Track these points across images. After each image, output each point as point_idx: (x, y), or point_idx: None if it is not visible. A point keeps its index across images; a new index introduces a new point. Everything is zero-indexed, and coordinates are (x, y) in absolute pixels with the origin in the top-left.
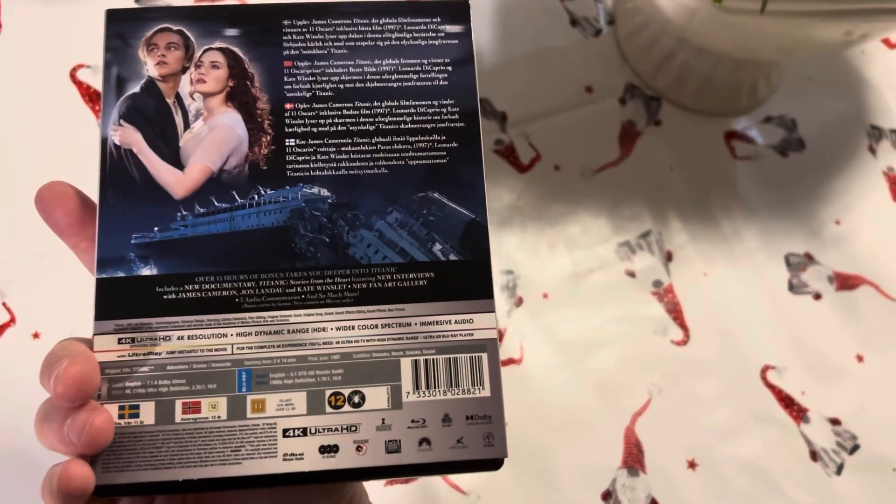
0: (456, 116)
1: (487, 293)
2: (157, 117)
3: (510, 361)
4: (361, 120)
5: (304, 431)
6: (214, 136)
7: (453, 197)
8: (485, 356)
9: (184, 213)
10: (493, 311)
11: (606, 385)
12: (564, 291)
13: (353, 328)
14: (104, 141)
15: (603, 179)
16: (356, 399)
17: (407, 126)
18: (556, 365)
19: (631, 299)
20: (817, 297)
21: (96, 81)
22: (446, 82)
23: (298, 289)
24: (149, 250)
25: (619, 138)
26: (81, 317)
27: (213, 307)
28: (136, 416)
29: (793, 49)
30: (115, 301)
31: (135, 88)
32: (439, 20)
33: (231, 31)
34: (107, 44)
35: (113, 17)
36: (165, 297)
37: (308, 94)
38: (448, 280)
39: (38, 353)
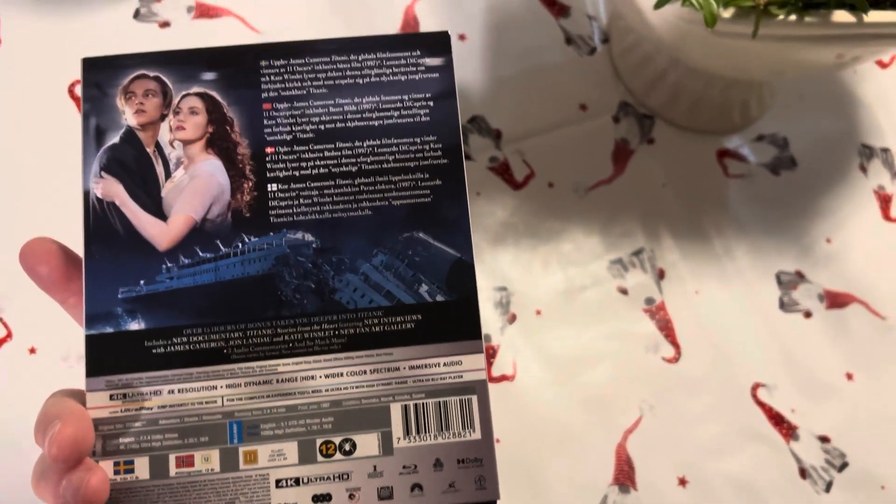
0: (439, 153)
1: (475, 334)
2: (137, 168)
3: (503, 378)
4: (343, 161)
5: (297, 481)
6: (196, 185)
7: (438, 236)
8: (474, 398)
9: (169, 264)
10: (482, 352)
11: (598, 401)
12: (557, 308)
13: (342, 375)
14: (86, 194)
15: (596, 197)
16: (347, 447)
17: (389, 165)
18: (549, 381)
19: (623, 316)
20: (808, 315)
21: None
22: (428, 118)
23: (286, 337)
24: (136, 304)
25: (612, 156)
26: (77, 333)
27: (202, 359)
28: (132, 471)
29: (785, 70)
30: (105, 357)
31: (114, 139)
32: (419, 53)
33: (208, 75)
34: (85, 93)
35: (90, 65)
36: (154, 350)
37: (289, 137)
38: (435, 322)
39: (35, 368)
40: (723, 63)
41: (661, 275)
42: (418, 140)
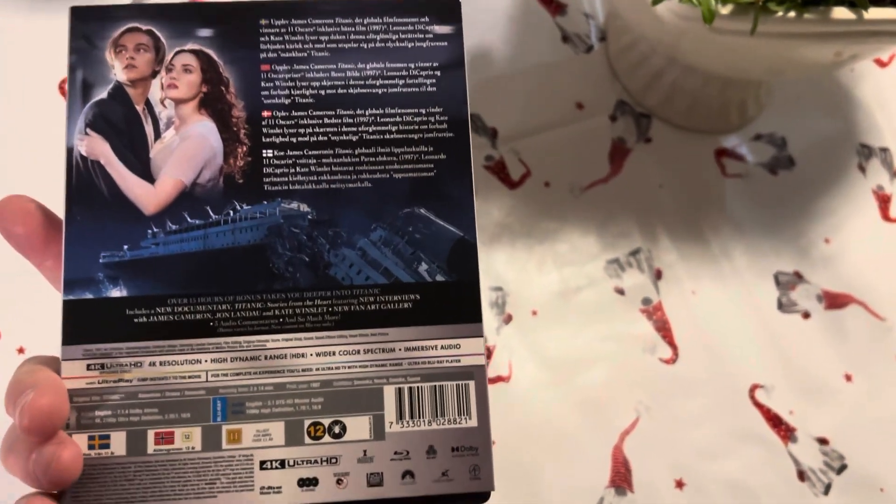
0: (444, 126)
1: (476, 317)
2: (125, 126)
3: (498, 379)
4: (343, 129)
5: (282, 464)
6: (187, 147)
7: (440, 213)
8: (472, 384)
9: (155, 230)
10: (482, 336)
11: (594, 403)
12: (553, 309)
13: (334, 354)
14: (70, 151)
15: (593, 196)
16: (336, 429)
17: (392, 136)
18: (545, 382)
19: (620, 317)
20: (806, 315)
21: None
22: (434, 88)
23: (276, 312)
24: (118, 270)
25: (609, 155)
26: None
27: (187, 331)
28: (107, 446)
29: (782, 69)
30: (83, 325)
31: (102, 94)
32: (427, 20)
33: (204, 32)
34: (71, 45)
35: (78, 15)
36: (136, 320)
37: (287, 101)
38: (434, 302)
39: None
40: (720, 61)
41: (658, 275)
42: (423, 111)
